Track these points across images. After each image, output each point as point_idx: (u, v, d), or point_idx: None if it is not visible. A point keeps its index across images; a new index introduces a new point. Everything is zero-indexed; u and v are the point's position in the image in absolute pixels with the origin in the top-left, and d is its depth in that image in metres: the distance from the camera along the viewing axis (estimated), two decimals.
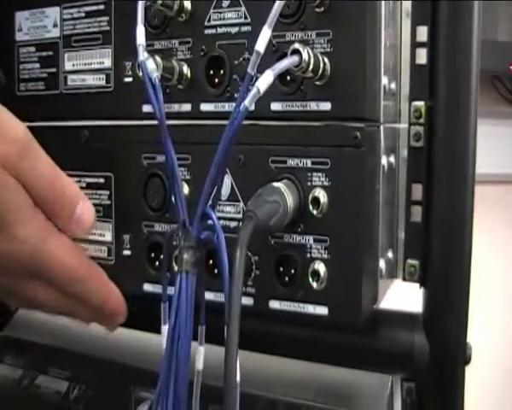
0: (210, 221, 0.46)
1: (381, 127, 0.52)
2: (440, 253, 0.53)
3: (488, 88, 1.32)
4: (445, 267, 0.53)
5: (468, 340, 0.53)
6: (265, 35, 0.44)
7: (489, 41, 1.21)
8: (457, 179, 0.52)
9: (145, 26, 0.50)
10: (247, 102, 0.42)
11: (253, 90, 0.43)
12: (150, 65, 0.47)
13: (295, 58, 0.45)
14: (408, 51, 0.55)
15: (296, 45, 0.46)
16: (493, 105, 1.32)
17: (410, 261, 0.55)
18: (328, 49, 0.49)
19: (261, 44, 0.43)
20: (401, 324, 0.55)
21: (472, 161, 0.52)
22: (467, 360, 0.53)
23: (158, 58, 0.52)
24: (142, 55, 0.47)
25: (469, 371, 0.54)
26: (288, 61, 0.45)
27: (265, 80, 0.43)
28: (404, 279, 0.56)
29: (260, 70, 0.45)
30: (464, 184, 0.52)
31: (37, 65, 0.64)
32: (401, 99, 0.59)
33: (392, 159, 0.55)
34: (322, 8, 0.49)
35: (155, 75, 0.46)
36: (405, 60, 0.57)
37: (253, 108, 0.45)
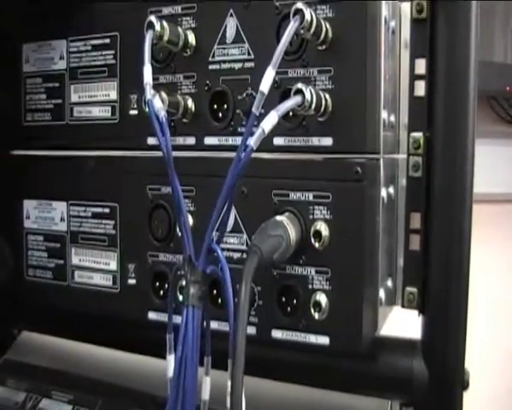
0: (215, 254, 0.47)
1: (381, 160, 0.53)
2: (439, 280, 0.54)
3: (485, 107, 1.32)
4: (443, 295, 0.53)
5: (467, 363, 0.54)
6: (269, 76, 0.45)
7: (485, 62, 1.22)
8: (455, 208, 0.53)
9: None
10: (252, 142, 0.44)
11: (259, 131, 0.44)
12: (157, 103, 0.48)
13: (298, 98, 0.47)
14: (406, 82, 0.56)
15: (299, 85, 0.47)
16: (490, 124, 1.32)
17: (409, 289, 0.56)
18: (330, 86, 0.51)
19: (265, 85, 0.45)
20: (400, 350, 0.56)
21: (469, 191, 0.53)
22: (465, 386, 0.54)
23: (164, 94, 0.53)
24: (150, 93, 0.48)
25: (469, 392, 0.54)
26: (291, 102, 0.46)
27: (270, 121, 0.44)
28: (403, 306, 0.57)
29: (263, 105, 0.46)
30: (462, 213, 0.53)
31: (44, 96, 0.65)
32: (400, 129, 0.60)
33: (391, 190, 0.57)
34: (324, 47, 0.50)
35: (163, 114, 0.47)
36: (404, 90, 0.58)
37: None
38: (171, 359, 0.50)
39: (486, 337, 1.12)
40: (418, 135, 0.55)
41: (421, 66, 0.55)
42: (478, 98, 0.53)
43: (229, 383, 0.43)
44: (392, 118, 0.57)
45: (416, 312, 0.56)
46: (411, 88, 0.56)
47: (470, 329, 0.53)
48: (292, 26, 0.46)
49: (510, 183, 1.31)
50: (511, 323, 1.28)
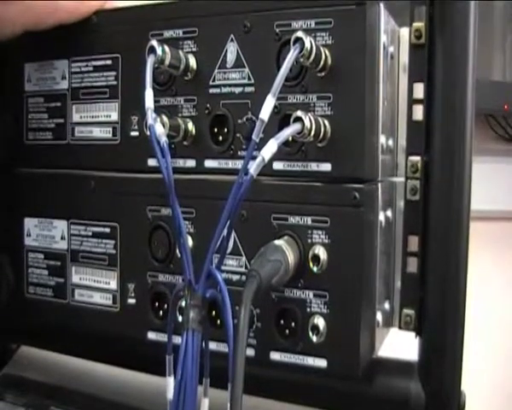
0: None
1: (379, 185, 0.54)
2: (435, 303, 0.54)
3: (483, 125, 1.33)
4: (440, 317, 0.54)
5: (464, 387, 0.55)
6: (270, 104, 0.45)
7: (483, 81, 1.23)
8: (452, 232, 0.53)
9: None
10: (252, 170, 0.44)
11: (259, 159, 0.44)
12: (159, 129, 0.48)
13: (298, 126, 0.47)
14: (404, 105, 0.57)
15: (298, 113, 0.47)
16: (488, 142, 1.33)
17: (406, 311, 0.56)
18: (329, 112, 0.51)
19: (265, 113, 0.45)
20: (397, 372, 0.57)
21: (467, 214, 0.53)
22: (461, 408, 0.55)
23: (165, 118, 0.53)
24: (151, 118, 0.49)
25: None
26: (290, 130, 0.47)
27: (270, 149, 0.45)
28: (400, 328, 0.57)
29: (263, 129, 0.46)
30: (459, 236, 0.53)
31: (46, 115, 0.65)
32: (398, 152, 0.61)
33: (389, 213, 0.57)
34: (323, 73, 0.51)
35: (164, 140, 0.48)
36: (402, 114, 0.59)
37: None
38: (170, 380, 0.50)
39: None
40: (416, 159, 0.55)
41: (419, 90, 0.56)
42: (476, 116, 0.53)
43: (228, 406, 0.43)
44: (391, 142, 0.58)
45: (413, 334, 0.56)
46: (409, 112, 0.56)
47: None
48: (292, 55, 0.47)
49: (509, 200, 1.32)
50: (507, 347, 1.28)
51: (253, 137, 0.45)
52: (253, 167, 0.44)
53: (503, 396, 1.30)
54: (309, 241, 0.52)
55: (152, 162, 0.58)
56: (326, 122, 0.50)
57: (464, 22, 0.53)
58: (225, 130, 0.55)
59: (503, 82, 1.30)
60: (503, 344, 1.31)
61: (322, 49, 0.50)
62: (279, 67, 0.48)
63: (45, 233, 0.66)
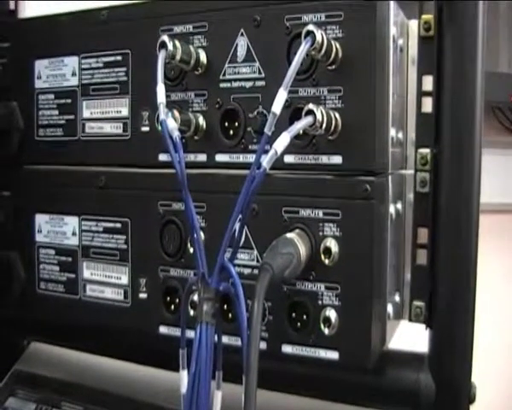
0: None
1: (389, 177, 0.54)
2: (445, 295, 0.54)
3: (489, 117, 1.32)
4: (450, 309, 0.54)
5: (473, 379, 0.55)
6: (282, 97, 0.46)
7: (490, 72, 1.22)
8: (462, 224, 0.53)
9: None
10: (265, 163, 0.44)
11: (271, 152, 0.45)
12: (171, 123, 0.48)
13: (310, 119, 0.47)
14: (414, 98, 0.57)
15: (310, 106, 0.48)
16: (494, 135, 1.32)
17: (416, 303, 0.57)
18: (339, 106, 0.51)
19: (278, 106, 0.45)
20: (408, 364, 0.57)
21: (476, 206, 0.53)
22: (471, 399, 0.55)
23: (176, 113, 0.54)
24: (163, 113, 0.49)
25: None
26: (303, 123, 0.47)
27: (282, 142, 0.45)
28: (411, 320, 0.57)
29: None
30: (468, 228, 0.53)
31: (56, 112, 0.65)
32: (407, 145, 0.61)
33: (399, 205, 0.57)
34: (334, 66, 0.51)
35: (176, 134, 0.48)
36: (411, 106, 0.59)
37: None
38: (184, 374, 0.50)
39: None
40: (425, 151, 0.55)
41: (428, 82, 0.56)
42: None
43: (243, 398, 0.43)
44: (400, 134, 0.58)
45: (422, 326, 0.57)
46: (419, 104, 0.56)
47: None
48: (303, 48, 0.47)
49: None
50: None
51: (266, 130, 0.45)
52: (266, 160, 0.44)
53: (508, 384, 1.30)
54: (320, 234, 0.52)
55: (163, 157, 0.59)
56: (337, 115, 0.51)
57: (473, 14, 0.53)
58: (236, 124, 0.56)
59: (509, 73, 1.30)
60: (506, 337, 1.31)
61: (332, 42, 0.50)
62: (289, 61, 0.48)
63: (56, 229, 0.66)
